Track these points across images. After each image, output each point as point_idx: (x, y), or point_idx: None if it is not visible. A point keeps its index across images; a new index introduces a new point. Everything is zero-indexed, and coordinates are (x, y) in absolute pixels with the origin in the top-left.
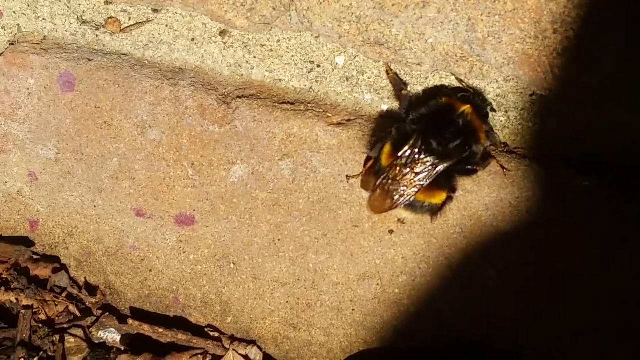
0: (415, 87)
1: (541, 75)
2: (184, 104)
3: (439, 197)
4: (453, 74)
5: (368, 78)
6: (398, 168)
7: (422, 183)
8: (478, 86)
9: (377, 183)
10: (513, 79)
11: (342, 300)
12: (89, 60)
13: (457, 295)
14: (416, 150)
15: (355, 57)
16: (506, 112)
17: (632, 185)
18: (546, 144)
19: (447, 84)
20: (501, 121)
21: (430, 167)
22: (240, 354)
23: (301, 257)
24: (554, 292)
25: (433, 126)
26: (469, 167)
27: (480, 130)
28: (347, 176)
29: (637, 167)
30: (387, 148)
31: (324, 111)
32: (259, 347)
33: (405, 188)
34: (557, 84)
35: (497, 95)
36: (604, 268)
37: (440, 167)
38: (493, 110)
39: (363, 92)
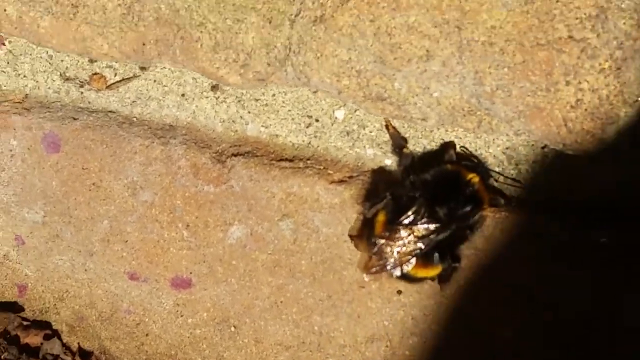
0: (420, 140)
1: (554, 129)
2: (176, 164)
3: (433, 272)
4: (459, 142)
5: (370, 132)
6: (397, 233)
7: (419, 250)
8: (486, 139)
9: (374, 249)
10: (524, 133)
11: None
12: (74, 119)
13: (472, 357)
14: (419, 217)
15: (355, 111)
16: (517, 165)
17: None
18: (560, 198)
19: (452, 139)
20: (512, 174)
21: (431, 235)
22: None
23: (305, 319)
24: (571, 349)
25: (439, 193)
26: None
27: (485, 200)
28: (350, 236)
29: None
30: (381, 216)
31: (324, 168)
32: None
33: (401, 254)
34: (571, 137)
35: (506, 148)
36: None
37: (441, 236)
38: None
39: (365, 146)
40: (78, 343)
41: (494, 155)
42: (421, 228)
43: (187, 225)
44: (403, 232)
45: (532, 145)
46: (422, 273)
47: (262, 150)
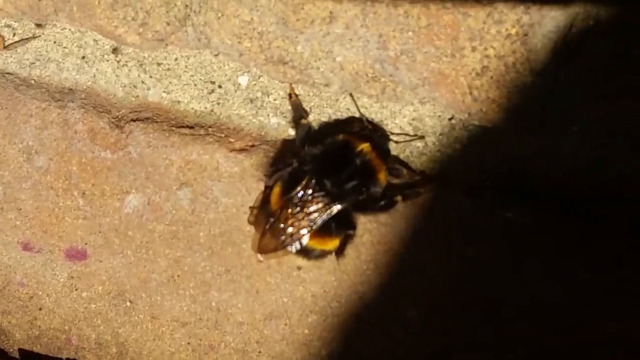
0: (325, 109)
1: (459, 97)
2: (72, 128)
3: (332, 244)
4: (364, 111)
5: (274, 100)
6: (289, 209)
7: (312, 225)
8: (392, 109)
9: (267, 226)
10: (429, 101)
11: (248, 341)
12: None
13: (373, 335)
14: (309, 192)
15: (259, 77)
16: (423, 137)
17: (554, 216)
18: (467, 172)
19: (354, 109)
20: (418, 147)
21: (322, 209)
22: None
23: (203, 294)
24: (474, 326)
25: (328, 165)
26: (377, 205)
27: (379, 170)
28: (250, 207)
29: (563, 197)
30: (276, 189)
31: (225, 136)
32: None
33: (294, 230)
34: (477, 106)
35: (413, 119)
36: (523, 297)
37: (334, 209)
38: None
39: (269, 115)
40: None
41: (400, 127)
42: (312, 203)
43: (83, 193)
44: (295, 208)
45: (439, 116)
46: (319, 245)
47: (162, 116)
